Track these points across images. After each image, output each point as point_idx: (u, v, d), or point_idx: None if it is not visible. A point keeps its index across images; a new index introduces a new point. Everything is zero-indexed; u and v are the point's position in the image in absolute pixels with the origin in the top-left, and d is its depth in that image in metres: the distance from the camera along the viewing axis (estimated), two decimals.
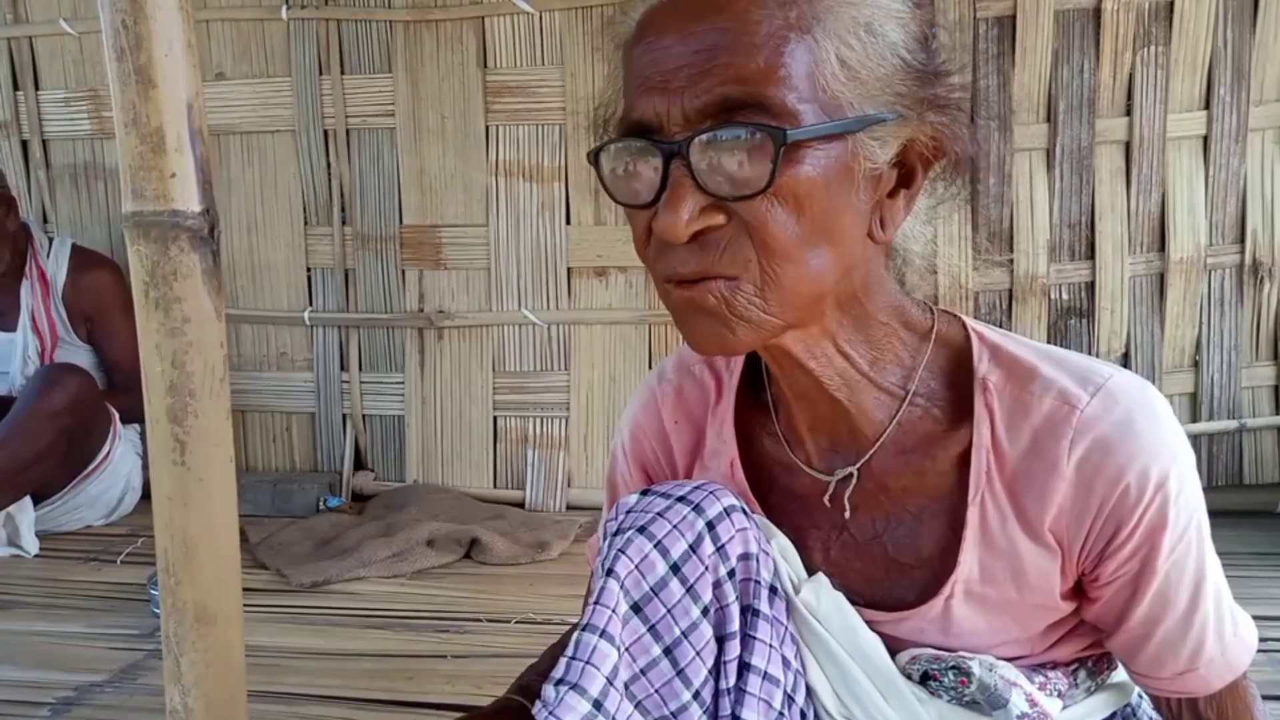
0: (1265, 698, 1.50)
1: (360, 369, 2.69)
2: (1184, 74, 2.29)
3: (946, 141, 0.70)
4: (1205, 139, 2.31)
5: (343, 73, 2.60)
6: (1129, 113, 2.31)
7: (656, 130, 0.65)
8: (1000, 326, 2.39)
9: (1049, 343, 2.35)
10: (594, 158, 0.70)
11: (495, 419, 2.62)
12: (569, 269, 2.56)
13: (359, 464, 2.70)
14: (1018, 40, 2.30)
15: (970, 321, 0.80)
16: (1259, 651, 1.73)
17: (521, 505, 2.56)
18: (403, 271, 2.64)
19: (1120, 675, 0.86)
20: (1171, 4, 2.26)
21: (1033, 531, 0.74)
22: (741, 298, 0.66)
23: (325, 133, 2.63)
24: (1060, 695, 0.80)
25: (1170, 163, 2.32)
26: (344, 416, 2.70)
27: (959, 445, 0.76)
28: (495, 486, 2.61)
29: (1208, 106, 2.30)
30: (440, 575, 2.08)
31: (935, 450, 0.77)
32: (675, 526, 0.78)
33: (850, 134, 0.65)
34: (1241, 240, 2.33)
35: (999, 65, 2.32)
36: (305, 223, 2.68)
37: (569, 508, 2.54)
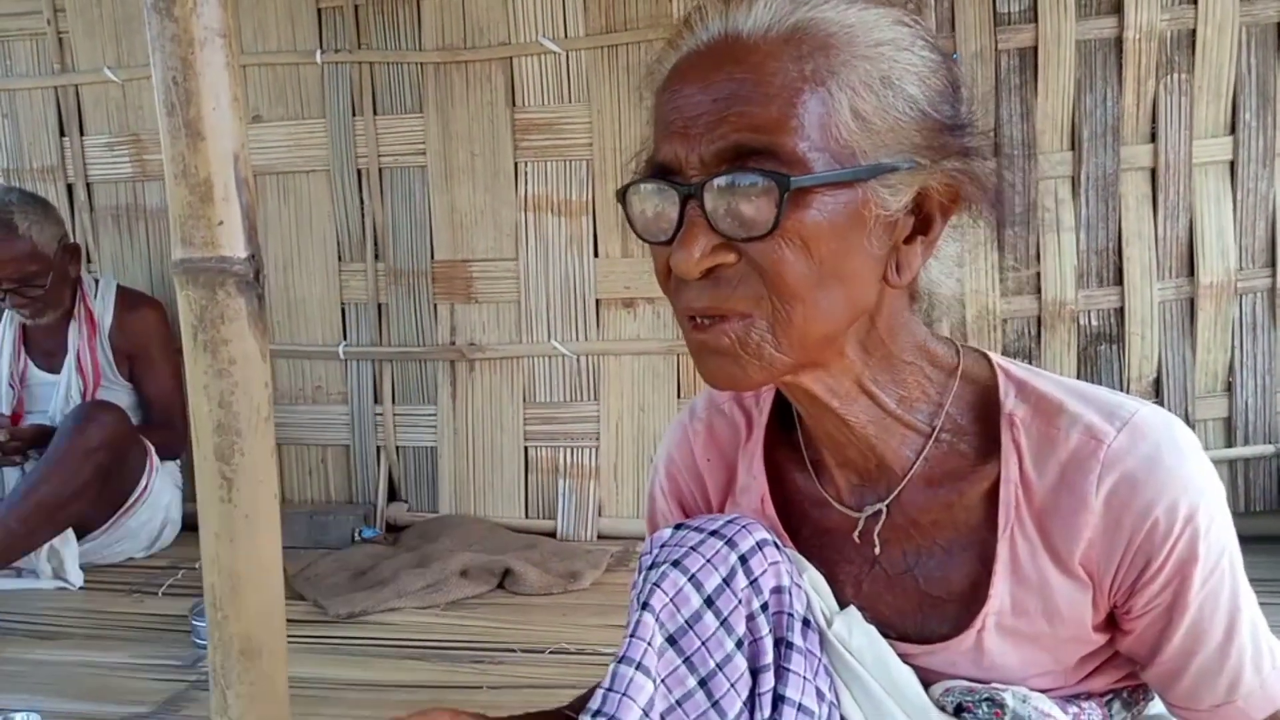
0: None
1: (394, 401, 2.73)
2: (1208, 100, 2.30)
3: (965, 189, 0.71)
4: (1232, 164, 2.31)
5: (375, 113, 2.67)
6: (1154, 139, 2.32)
7: (676, 172, 0.69)
8: (1029, 353, 2.42)
9: (1079, 369, 2.37)
10: (621, 196, 0.73)
11: (526, 449, 2.65)
12: (597, 301, 2.60)
13: (393, 495, 2.74)
14: (1040, 71, 2.32)
15: (996, 358, 0.82)
16: None
17: (553, 535, 2.58)
18: (434, 305, 2.69)
19: (1157, 706, 0.86)
20: (1194, 32, 2.27)
21: (1063, 565, 0.75)
22: (755, 335, 0.69)
23: (359, 172, 2.69)
24: None
25: (1197, 188, 2.32)
26: (378, 448, 2.74)
27: (987, 480, 0.77)
28: (527, 516, 2.64)
29: (1233, 131, 2.30)
30: (474, 606, 2.10)
31: (963, 485, 0.78)
32: (709, 560, 0.80)
33: (860, 182, 0.67)
34: (1273, 264, 2.32)
35: (1022, 95, 2.34)
36: (339, 259, 2.74)
37: (600, 537, 2.56)
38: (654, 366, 2.58)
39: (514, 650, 1.85)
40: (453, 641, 1.91)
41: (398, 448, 2.74)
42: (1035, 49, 2.32)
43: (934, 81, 0.70)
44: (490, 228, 2.64)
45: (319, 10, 2.66)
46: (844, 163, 0.66)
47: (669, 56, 0.73)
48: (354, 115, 2.68)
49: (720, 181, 0.66)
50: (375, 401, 2.74)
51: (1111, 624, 0.78)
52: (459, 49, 2.60)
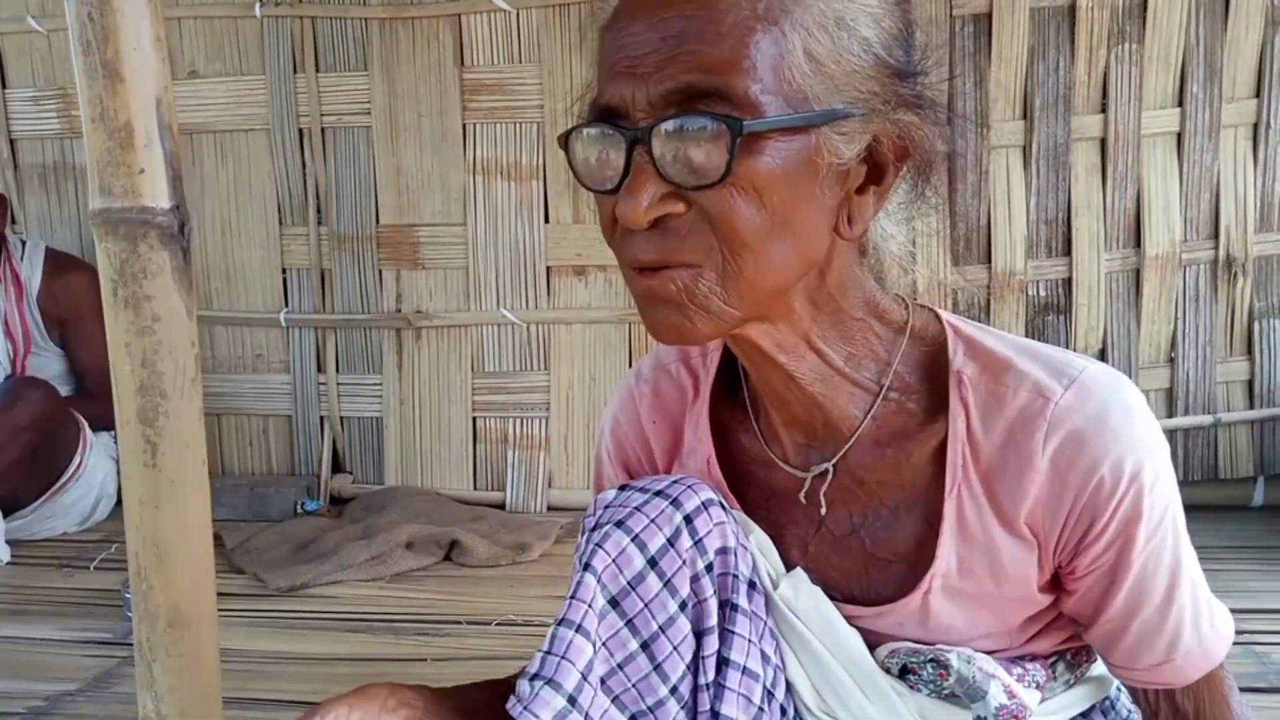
0: (1243, 689, 1.52)
1: (337, 370, 2.66)
2: (1158, 71, 2.31)
3: (916, 140, 0.69)
4: (1179, 135, 2.33)
5: (318, 71, 2.57)
6: (1104, 110, 2.33)
7: (623, 115, 0.65)
8: (978, 323, 2.42)
9: (1028, 339, 2.38)
10: (564, 142, 0.69)
11: (474, 420, 2.60)
12: (548, 268, 2.55)
13: (337, 467, 2.68)
14: (994, 38, 2.31)
15: (946, 315, 0.80)
16: (1236, 644, 1.74)
17: (502, 506, 2.54)
18: (380, 272, 2.62)
19: (1099, 668, 0.86)
20: (1145, 1, 2.28)
21: (1009, 524, 0.74)
22: (703, 285, 0.66)
23: (300, 131, 2.60)
24: (1039, 687, 0.80)
25: (1145, 159, 2.34)
26: (321, 419, 2.67)
27: (934, 439, 0.76)
28: (475, 488, 2.60)
29: (1181, 104, 2.32)
30: (420, 578, 2.07)
31: (910, 444, 0.77)
32: (653, 521, 0.78)
33: (813, 128, 0.64)
34: (1215, 236, 2.36)
35: (975, 63, 2.33)
36: (280, 223, 2.65)
37: (550, 508, 2.53)
38: (605, 335, 2.54)
39: (460, 622, 1.82)
40: (397, 614, 1.87)
41: (342, 418, 2.67)
42: (990, 15, 2.31)
43: (888, 24, 0.68)
44: (438, 191, 2.57)
45: None
46: (797, 107, 0.63)
47: None
48: (295, 72, 2.58)
49: (668, 125, 0.62)
50: (318, 370, 2.67)
51: (1056, 584, 0.77)
52: (405, 5, 2.52)
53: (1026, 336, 2.47)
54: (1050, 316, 2.40)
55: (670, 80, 0.63)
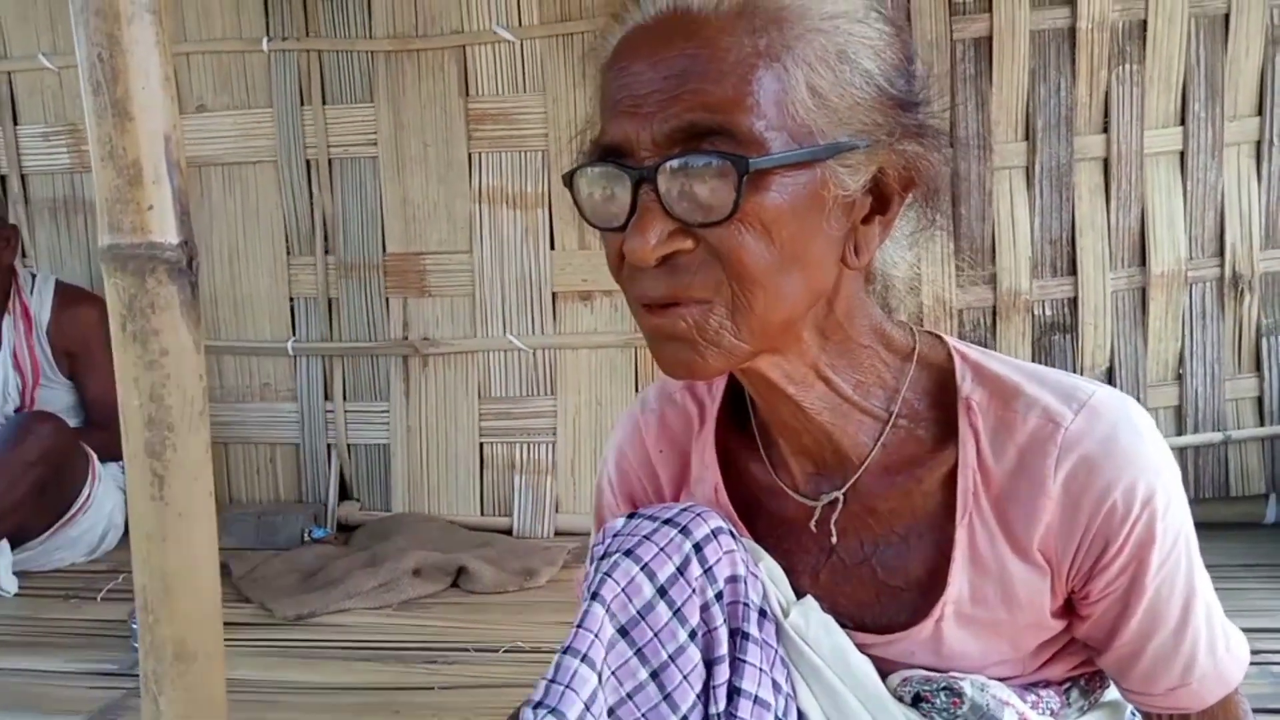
0: (1258, 711, 1.50)
1: (345, 398, 2.67)
2: (1159, 91, 2.32)
3: (921, 169, 0.69)
4: (1182, 154, 2.34)
5: (324, 103, 2.60)
6: (1106, 130, 2.33)
7: (628, 154, 0.65)
8: (984, 343, 2.43)
9: (1033, 359, 2.38)
10: (569, 181, 0.70)
11: (481, 446, 2.60)
12: (554, 294, 2.56)
13: (344, 494, 2.68)
14: (994, 61, 2.33)
15: (953, 341, 0.80)
16: (1251, 664, 1.72)
17: (509, 532, 2.53)
18: (386, 300, 2.63)
19: (1113, 694, 0.85)
20: (1145, 23, 2.30)
21: (1021, 551, 0.74)
22: (714, 321, 0.66)
23: (307, 163, 2.62)
24: (1053, 714, 0.79)
25: (1148, 178, 2.34)
26: (328, 446, 2.68)
27: (944, 465, 0.75)
28: (482, 514, 2.59)
29: (1183, 122, 2.33)
30: (427, 605, 2.06)
31: (921, 471, 0.76)
32: (662, 549, 0.77)
33: (819, 161, 0.64)
34: (1221, 254, 2.35)
35: (977, 85, 2.34)
36: (288, 252, 2.67)
37: (557, 533, 2.52)
38: (611, 360, 2.55)
39: (467, 650, 1.81)
40: (404, 642, 1.86)
41: (349, 445, 2.68)
42: (990, 39, 2.32)
43: (889, 55, 0.68)
44: (444, 220, 2.59)
45: None
46: (802, 142, 0.64)
47: (614, 31, 0.69)
48: (302, 104, 2.60)
49: (674, 164, 0.62)
50: (326, 398, 2.67)
51: (1069, 610, 0.77)
52: (410, 37, 2.55)
53: (1033, 356, 2.49)
54: (1056, 336, 2.39)
55: (674, 119, 0.63)
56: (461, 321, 2.61)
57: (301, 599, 2.03)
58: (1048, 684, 0.81)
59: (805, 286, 0.67)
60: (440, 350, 2.60)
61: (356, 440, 2.68)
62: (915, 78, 0.71)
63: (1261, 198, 2.34)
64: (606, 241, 0.70)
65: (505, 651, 1.80)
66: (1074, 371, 2.37)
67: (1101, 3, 2.28)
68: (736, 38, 0.63)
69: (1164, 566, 0.72)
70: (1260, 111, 2.31)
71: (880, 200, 0.70)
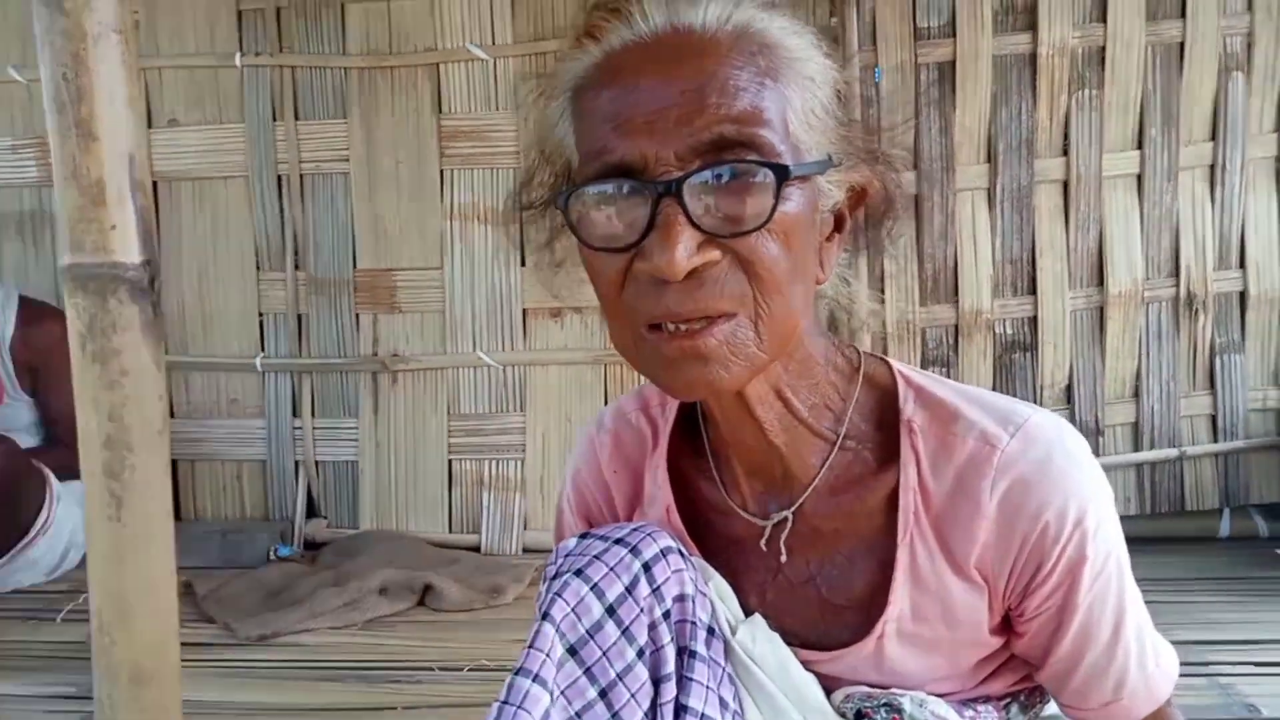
0: None
1: (313, 415, 2.66)
2: (1117, 116, 2.38)
3: (875, 189, 0.74)
4: (1139, 177, 2.39)
5: (297, 118, 2.60)
6: (1066, 153, 2.39)
7: (640, 170, 0.65)
8: (947, 361, 2.47)
9: (995, 377, 2.42)
10: (564, 202, 0.68)
11: (450, 462, 2.60)
12: (524, 310, 2.57)
13: (311, 511, 2.66)
14: (958, 85, 2.38)
15: (896, 364, 0.82)
16: (1201, 676, 1.75)
17: (477, 549, 2.53)
18: (356, 316, 2.63)
19: (1053, 709, 0.88)
20: (1104, 49, 2.35)
21: (960, 569, 0.76)
22: (741, 334, 0.67)
23: (279, 178, 2.62)
24: None
25: (1106, 201, 2.39)
26: (296, 463, 2.67)
27: (887, 487, 0.78)
28: (451, 531, 2.59)
29: (1140, 147, 2.38)
30: (393, 624, 2.05)
31: (864, 492, 0.78)
32: (612, 569, 0.79)
33: (813, 176, 0.68)
34: (1176, 274, 2.41)
35: (941, 109, 2.39)
36: (258, 268, 2.66)
37: (525, 550, 2.52)
38: (581, 377, 2.56)
39: (432, 669, 1.81)
40: (369, 661, 1.86)
41: (317, 462, 2.67)
42: (954, 63, 2.37)
43: (839, 86, 0.72)
44: (415, 236, 2.60)
45: (239, 12, 2.59)
46: (799, 158, 0.67)
47: (588, 53, 0.70)
48: (274, 120, 2.61)
49: (709, 175, 0.63)
50: (294, 415, 2.66)
51: (1007, 627, 0.79)
52: (384, 54, 2.56)
53: (994, 374, 2.53)
54: (1017, 354, 2.44)
55: (701, 132, 0.64)
56: (431, 338, 2.61)
57: (265, 618, 2.02)
58: (988, 699, 0.83)
59: (806, 295, 0.71)
60: (410, 367, 2.61)
61: (324, 457, 2.67)
62: (856, 107, 0.75)
63: (1215, 220, 2.40)
64: (605, 264, 0.68)
65: (470, 670, 1.80)
66: (1034, 389, 2.42)
67: (1062, 29, 2.34)
68: (743, 57, 0.66)
69: (1095, 585, 0.74)
70: (1214, 137, 2.38)
71: (838, 219, 0.74)
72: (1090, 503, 0.73)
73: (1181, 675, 1.63)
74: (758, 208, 0.64)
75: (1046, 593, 0.74)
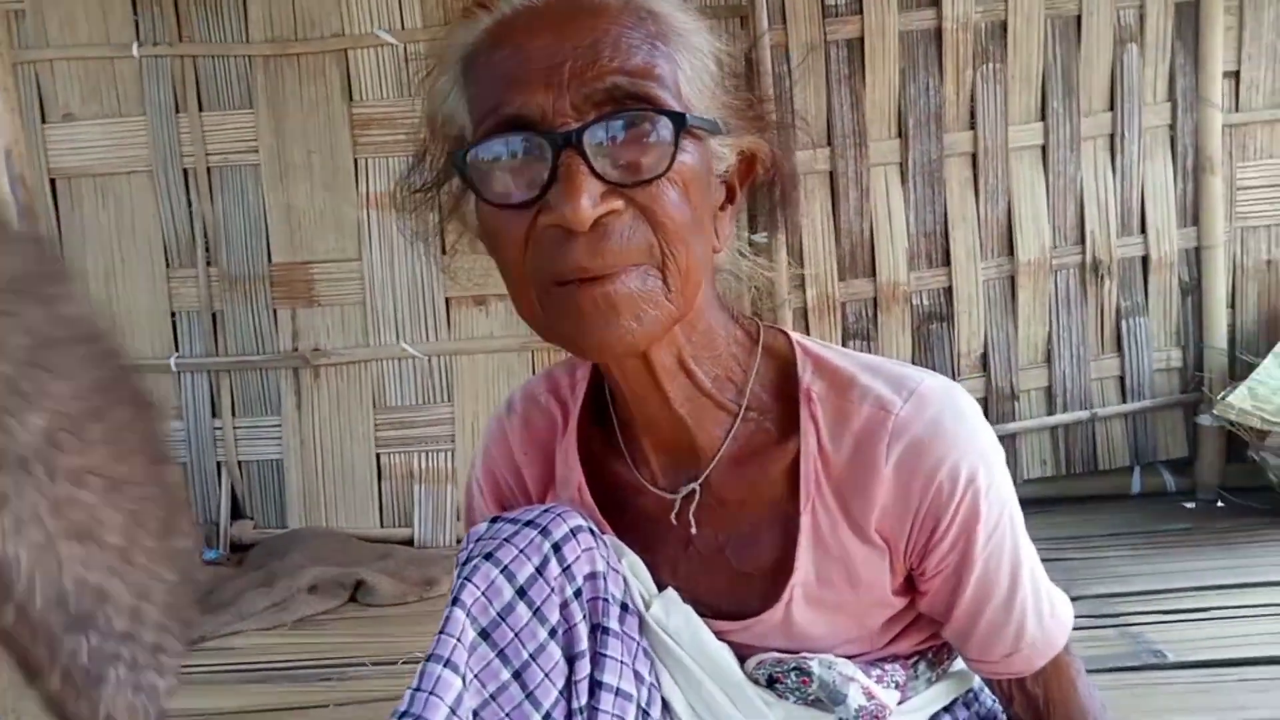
0: (1115, 669, 1.60)
1: (234, 414, 2.60)
2: (1020, 88, 2.44)
3: (770, 156, 0.75)
4: (1043, 148, 2.46)
5: (201, 109, 2.53)
6: (973, 126, 2.44)
7: (538, 123, 0.65)
8: (868, 334, 2.51)
9: (914, 348, 2.48)
10: (462, 159, 0.67)
11: (379, 456, 2.57)
12: (447, 299, 2.55)
13: (237, 513, 2.60)
14: (867, 61, 2.41)
15: (795, 335, 0.84)
16: (1113, 626, 1.82)
17: (410, 542, 2.51)
18: (274, 311, 2.57)
19: (961, 664, 0.91)
20: (1005, 23, 2.41)
21: (861, 532, 0.78)
22: (651, 283, 0.67)
23: (185, 171, 2.55)
24: (898, 686, 0.84)
25: (1013, 172, 2.46)
26: (218, 464, 2.60)
27: (789, 455, 0.79)
28: (382, 525, 2.56)
29: (1044, 118, 2.45)
30: (323, 622, 2.03)
31: (767, 462, 0.80)
32: (522, 551, 0.79)
33: (709, 136, 0.70)
34: (1082, 242, 2.49)
35: (851, 85, 2.42)
36: (167, 265, 2.58)
37: (459, 541, 2.48)
38: (508, 364, 2.55)
39: (365, 665, 1.79)
40: (300, 661, 1.83)
41: (240, 462, 2.60)
42: (862, 40, 2.41)
43: (724, 58, 0.74)
44: (331, 227, 2.55)
45: (133, 0, 2.50)
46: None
47: (478, 22, 0.70)
48: (177, 112, 2.53)
49: (612, 124, 0.64)
50: (213, 415, 2.60)
51: (910, 586, 0.81)
52: (289, 41, 2.50)
53: (913, 345, 2.58)
54: (934, 325, 2.50)
55: (596, 82, 0.65)
56: (353, 330, 2.57)
57: None
58: (896, 658, 0.85)
59: (705, 255, 0.71)
60: (332, 360, 2.56)
61: (248, 456, 2.61)
62: (741, 81, 0.76)
63: (1116, 188, 2.48)
64: (508, 222, 0.68)
65: (404, 664, 1.78)
66: (952, 358, 2.49)
67: (965, 4, 2.39)
68: (633, 20, 0.67)
69: (990, 541, 0.77)
70: (1112, 107, 2.46)
71: (729, 192, 0.75)
72: (981, 462, 0.75)
73: (1093, 627, 1.70)
74: (657, 155, 0.65)
75: (944, 551, 0.77)
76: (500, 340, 2.53)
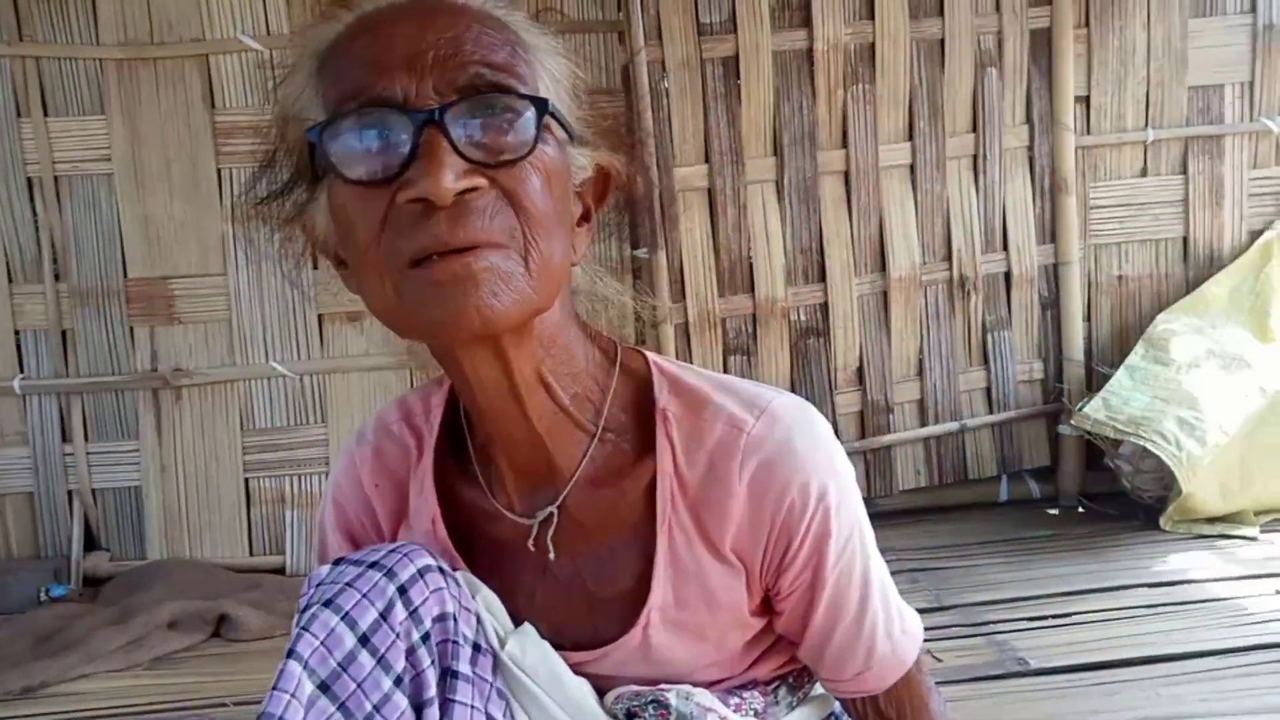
0: (980, 678, 1.64)
1: (86, 439, 2.43)
2: (889, 109, 2.52)
3: (624, 175, 0.76)
4: (912, 167, 2.55)
5: (46, 115, 2.37)
6: (845, 145, 2.51)
7: (399, 105, 0.64)
8: (748, 349, 2.54)
9: (792, 363, 2.52)
10: (318, 135, 0.65)
11: (247, 481, 2.45)
12: (319, 316, 2.46)
13: (91, 545, 2.44)
14: (742, 80, 2.45)
15: (651, 355, 0.83)
16: (980, 635, 1.87)
17: (282, 571, 2.40)
18: (130, 329, 2.43)
19: (821, 689, 0.91)
20: (873, 46, 2.49)
21: (717, 552, 0.77)
22: (512, 265, 0.65)
23: (29, 180, 2.39)
24: (757, 715, 0.83)
25: (884, 190, 2.53)
26: (70, 493, 2.43)
27: (646, 476, 0.78)
28: (251, 554, 2.44)
29: (911, 138, 2.54)
30: (183, 659, 1.92)
31: (624, 483, 0.79)
32: (365, 595, 0.74)
33: (569, 139, 0.71)
34: (949, 258, 2.58)
35: (728, 104, 2.46)
36: (10, 280, 2.41)
37: None
38: (385, 383, 2.47)
39: (226, 704, 1.69)
40: (155, 704, 1.72)
41: (94, 490, 2.44)
42: (737, 58, 2.44)
43: (578, 77, 0.75)
44: (193, 241, 2.43)
45: None
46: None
47: (338, 19, 0.70)
48: (20, 117, 2.37)
49: (476, 103, 0.64)
50: (64, 440, 2.43)
51: (767, 607, 0.81)
52: (145, 45, 2.37)
53: (792, 360, 2.62)
54: (812, 340, 2.54)
55: (459, 71, 0.65)
56: (218, 349, 2.45)
57: (29, 668, 1.82)
58: (755, 684, 0.85)
59: (566, 258, 0.70)
60: (195, 381, 2.43)
61: (102, 484, 2.45)
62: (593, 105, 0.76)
63: (980, 207, 2.59)
64: (367, 201, 0.65)
65: None
66: (829, 373, 2.54)
67: (835, 26, 2.45)
68: (493, 23, 0.69)
69: (841, 558, 0.77)
70: (975, 128, 2.56)
71: (586, 210, 0.76)
72: (831, 480, 0.76)
73: (961, 635, 1.74)
74: (521, 136, 0.65)
75: (798, 569, 0.77)
76: (376, 358, 2.46)
